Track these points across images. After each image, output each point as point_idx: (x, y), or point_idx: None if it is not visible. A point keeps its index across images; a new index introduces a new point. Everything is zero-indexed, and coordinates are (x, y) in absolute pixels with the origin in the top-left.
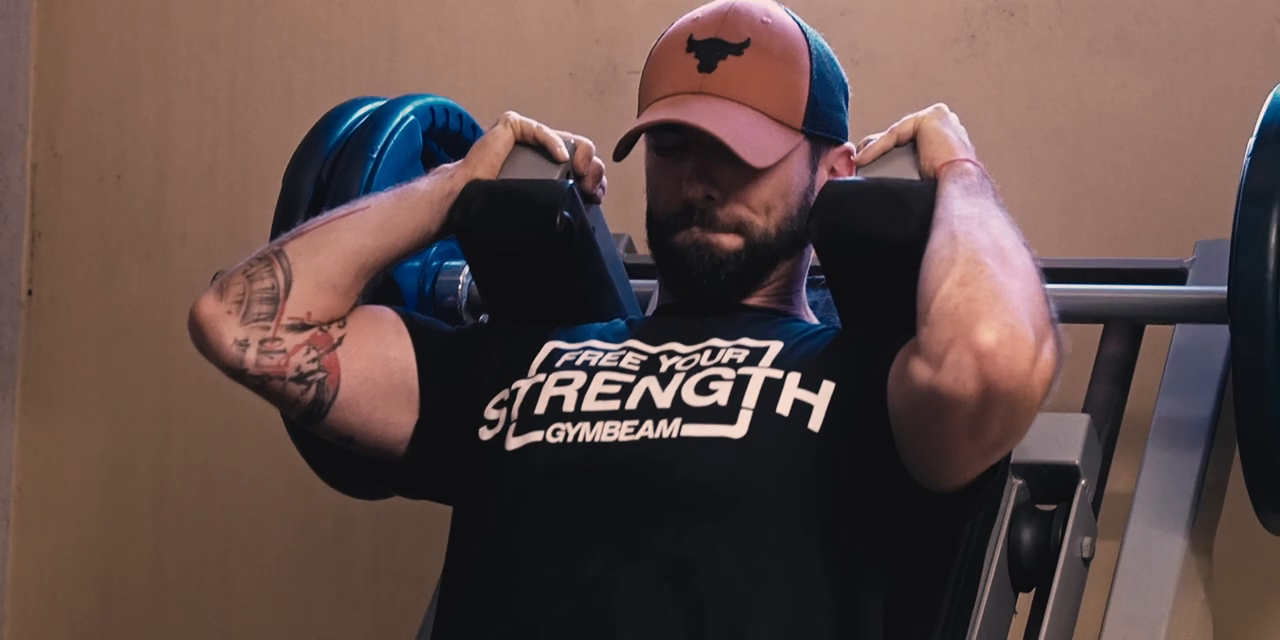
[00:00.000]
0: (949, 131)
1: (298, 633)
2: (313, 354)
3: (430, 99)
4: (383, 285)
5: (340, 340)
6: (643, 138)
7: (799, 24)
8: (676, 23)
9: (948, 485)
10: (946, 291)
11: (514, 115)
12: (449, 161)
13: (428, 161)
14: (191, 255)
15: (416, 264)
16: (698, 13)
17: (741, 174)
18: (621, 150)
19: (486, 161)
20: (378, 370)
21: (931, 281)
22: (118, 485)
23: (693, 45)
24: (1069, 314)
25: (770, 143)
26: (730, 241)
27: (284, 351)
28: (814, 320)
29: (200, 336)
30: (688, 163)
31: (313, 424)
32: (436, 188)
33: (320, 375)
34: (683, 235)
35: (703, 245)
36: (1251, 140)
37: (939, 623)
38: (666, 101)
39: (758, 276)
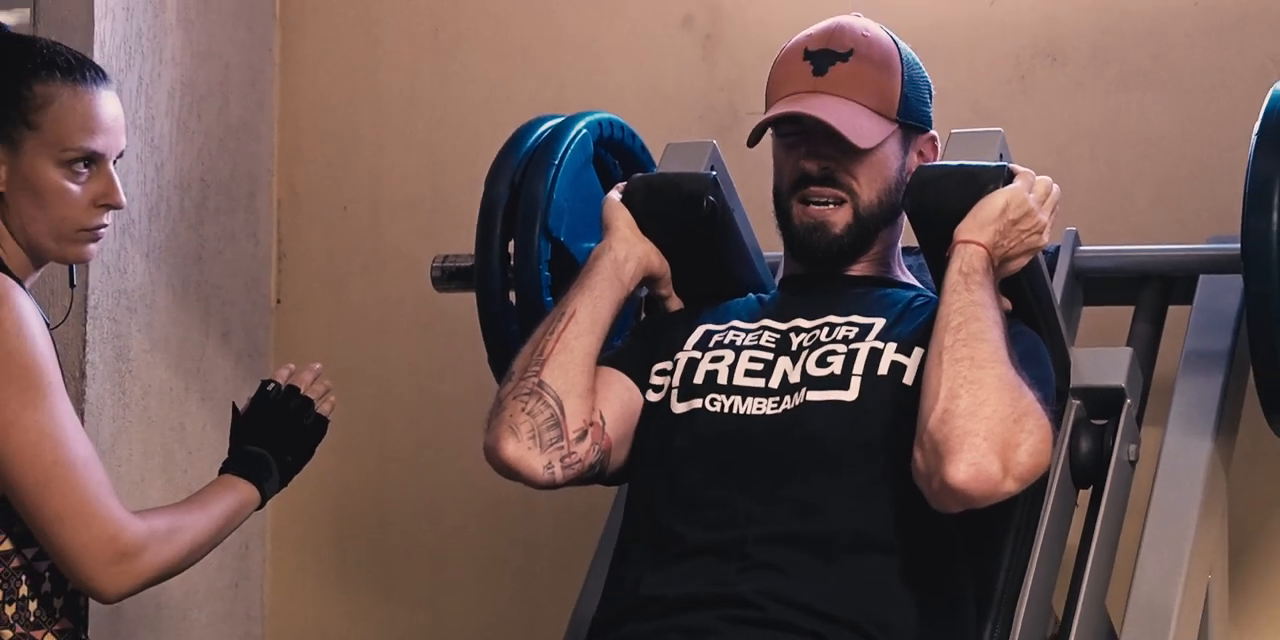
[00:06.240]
0: (1015, 206)
1: (491, 577)
2: (596, 446)
3: (599, 115)
4: None
5: (604, 418)
6: (769, 132)
7: (892, 37)
8: (793, 39)
9: None
10: (932, 426)
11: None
12: (616, 165)
13: (599, 166)
14: (402, 268)
15: None
16: (810, 30)
17: (849, 154)
18: (754, 138)
19: (615, 221)
20: (629, 423)
21: (924, 410)
22: (347, 464)
23: (808, 55)
24: (1113, 270)
25: (871, 129)
26: (839, 217)
27: (580, 460)
28: (910, 279)
29: (513, 473)
30: (804, 147)
31: (594, 483)
32: (605, 266)
33: (603, 456)
34: (799, 210)
35: (818, 224)
36: (1257, 124)
37: (1015, 511)
38: (788, 99)
39: (864, 244)
